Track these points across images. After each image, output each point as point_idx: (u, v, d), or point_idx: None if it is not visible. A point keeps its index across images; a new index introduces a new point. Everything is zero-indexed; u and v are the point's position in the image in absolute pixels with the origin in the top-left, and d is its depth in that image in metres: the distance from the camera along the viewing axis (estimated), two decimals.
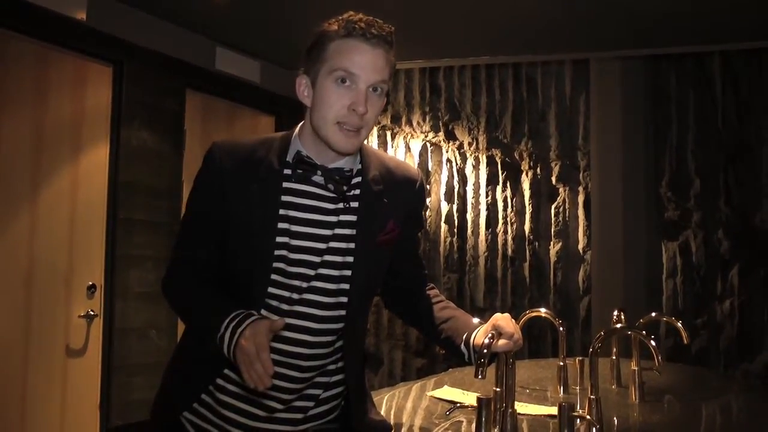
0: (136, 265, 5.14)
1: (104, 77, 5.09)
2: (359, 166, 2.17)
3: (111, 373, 4.99)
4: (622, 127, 6.35)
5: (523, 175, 6.57)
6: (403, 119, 6.78)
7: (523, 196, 6.54)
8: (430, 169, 6.66)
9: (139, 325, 5.17)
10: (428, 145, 6.72)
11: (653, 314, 3.24)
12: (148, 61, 5.31)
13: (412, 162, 6.60)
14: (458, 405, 2.64)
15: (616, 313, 3.22)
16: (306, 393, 2.18)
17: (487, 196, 6.62)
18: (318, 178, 2.09)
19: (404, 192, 2.28)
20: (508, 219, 6.53)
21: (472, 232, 6.60)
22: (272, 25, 5.65)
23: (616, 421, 2.55)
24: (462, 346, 2.25)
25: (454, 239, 6.59)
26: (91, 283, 4.99)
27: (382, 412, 2.55)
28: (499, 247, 6.53)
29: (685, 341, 2.95)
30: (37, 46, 4.70)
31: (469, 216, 6.62)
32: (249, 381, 1.87)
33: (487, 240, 6.56)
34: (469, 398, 2.74)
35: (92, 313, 4.97)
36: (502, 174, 6.60)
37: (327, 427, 2.21)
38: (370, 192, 2.16)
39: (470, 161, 6.64)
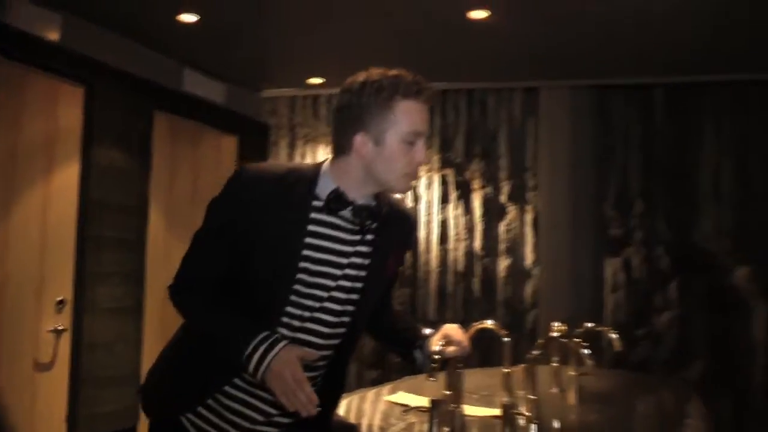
0: (104, 280, 5.22)
1: (76, 98, 5.18)
2: (374, 203, 2.38)
3: (78, 386, 5.06)
4: (569, 150, 6.65)
5: (475, 194, 6.83)
6: None
7: (474, 214, 6.80)
8: None
9: (106, 339, 5.25)
10: None
11: (589, 325, 3.50)
12: (119, 82, 5.41)
13: None
14: (413, 407, 2.87)
15: (556, 324, 3.48)
16: None
17: (439, 214, 6.87)
18: (345, 212, 2.30)
19: (403, 227, 2.54)
20: (460, 236, 6.80)
21: (425, 248, 6.84)
22: (237, 47, 5.86)
23: (555, 421, 2.79)
24: (415, 352, 2.54)
25: (408, 255, 6.80)
26: (60, 298, 5.09)
27: (342, 415, 2.78)
28: (451, 262, 6.78)
29: (615, 349, 3.23)
30: (10, 66, 4.77)
31: (422, 233, 6.86)
32: (290, 407, 2.16)
33: (439, 256, 6.83)
34: (422, 402, 2.97)
35: (61, 327, 5.07)
36: (454, 193, 6.87)
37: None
38: (382, 227, 2.38)
39: (423, 180, 6.88)
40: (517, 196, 6.74)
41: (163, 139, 6.14)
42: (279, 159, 7.18)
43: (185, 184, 6.61)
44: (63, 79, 5.14)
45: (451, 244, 6.82)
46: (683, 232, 6.46)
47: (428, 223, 6.87)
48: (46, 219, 5.10)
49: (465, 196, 6.84)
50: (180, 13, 5.06)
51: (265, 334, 2.22)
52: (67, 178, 5.16)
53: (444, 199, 6.88)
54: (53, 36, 5.00)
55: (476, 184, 6.81)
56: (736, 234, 6.36)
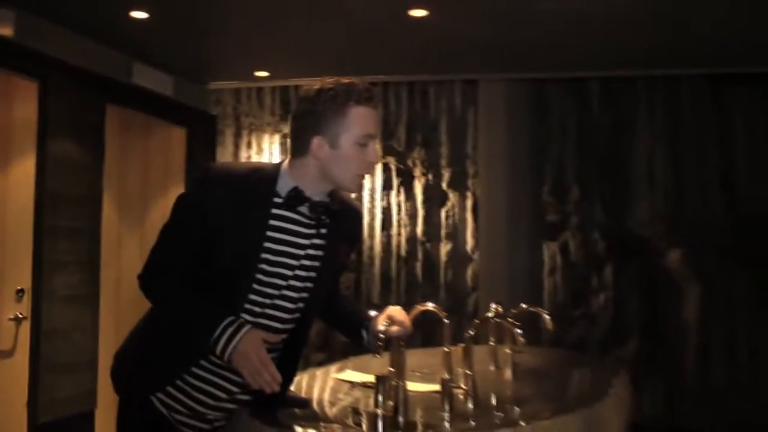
0: (61, 270, 5.35)
1: (31, 92, 5.29)
2: (328, 200, 2.62)
3: (38, 372, 5.18)
4: (508, 139, 6.93)
5: (416, 181, 7.07)
6: None
7: (415, 201, 7.05)
8: None
9: (64, 326, 5.38)
10: None
11: (524, 306, 3.75)
12: (72, 76, 5.52)
13: None
14: (359, 383, 3.11)
15: (493, 305, 3.71)
16: None
17: (382, 201, 7.12)
18: (303, 208, 2.54)
19: (353, 222, 2.83)
20: (402, 222, 7.05)
21: (369, 234, 7.08)
22: (186, 42, 6.07)
23: (491, 394, 3.02)
24: (362, 332, 2.82)
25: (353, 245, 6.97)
26: (19, 287, 5.22)
27: (297, 391, 3.01)
28: (394, 248, 7.04)
29: (548, 328, 3.48)
30: None
31: (366, 219, 7.09)
32: (255, 385, 2.41)
33: (382, 242, 7.08)
34: (368, 379, 3.19)
35: (20, 315, 5.20)
36: (397, 180, 7.11)
37: (264, 407, 2.61)
38: (334, 222, 2.63)
39: None
40: (458, 184, 7.01)
41: (114, 131, 6.29)
42: (225, 148, 7.36)
43: (136, 175, 6.80)
44: (18, 74, 5.24)
45: (394, 230, 7.06)
46: (618, 218, 6.80)
47: (371, 209, 7.11)
48: (4, 210, 5.24)
49: (407, 183, 7.09)
50: (131, 9, 5.21)
51: (230, 318, 2.45)
52: (24, 170, 5.28)
53: (386, 186, 7.12)
54: (7, 32, 5.08)
55: (418, 171, 7.05)
56: (668, 219, 6.69)
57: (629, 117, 6.79)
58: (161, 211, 6.62)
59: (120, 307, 6.24)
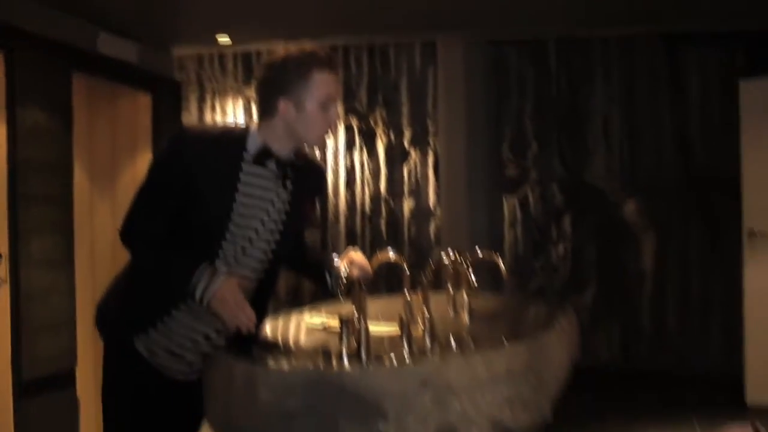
0: (37, 235, 5.50)
1: None
2: (294, 157, 2.85)
3: (20, 333, 5.34)
4: (466, 97, 7.14)
5: (378, 140, 7.28)
6: None
7: (378, 159, 7.26)
8: None
9: (42, 289, 5.55)
10: None
11: (478, 250, 3.95)
12: (38, 46, 5.62)
13: None
14: (327, 327, 3.33)
15: (450, 251, 3.90)
16: None
17: (345, 160, 7.32)
18: (271, 164, 2.78)
19: (316, 178, 3.12)
20: (366, 180, 7.26)
21: (333, 193, 7.31)
22: (148, 8, 6.19)
23: (449, 334, 3.24)
24: (326, 275, 3.10)
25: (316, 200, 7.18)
26: None
27: (268, 334, 3.23)
28: (358, 205, 7.26)
29: (503, 275, 3.71)
30: None
31: (330, 179, 7.31)
32: (232, 326, 2.65)
33: (347, 200, 7.29)
34: (335, 323, 3.41)
35: (0, 279, 5.32)
36: (359, 139, 7.31)
37: (238, 347, 2.82)
38: (298, 177, 2.88)
39: None
40: (419, 141, 7.23)
41: (82, 100, 6.43)
42: (190, 113, 7.52)
43: (105, 141, 6.94)
44: None
45: (357, 188, 7.28)
46: (576, 171, 7.07)
47: (335, 169, 7.31)
48: None
49: (369, 142, 7.30)
50: None
51: (207, 265, 2.68)
52: None
53: (350, 146, 7.32)
54: None
55: (380, 130, 7.25)
56: (624, 173, 6.97)
57: (586, 76, 7.02)
58: (131, 175, 6.78)
59: (95, 269, 6.41)
